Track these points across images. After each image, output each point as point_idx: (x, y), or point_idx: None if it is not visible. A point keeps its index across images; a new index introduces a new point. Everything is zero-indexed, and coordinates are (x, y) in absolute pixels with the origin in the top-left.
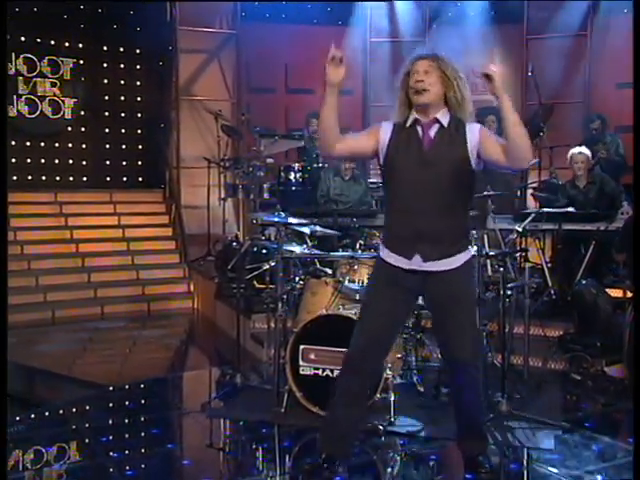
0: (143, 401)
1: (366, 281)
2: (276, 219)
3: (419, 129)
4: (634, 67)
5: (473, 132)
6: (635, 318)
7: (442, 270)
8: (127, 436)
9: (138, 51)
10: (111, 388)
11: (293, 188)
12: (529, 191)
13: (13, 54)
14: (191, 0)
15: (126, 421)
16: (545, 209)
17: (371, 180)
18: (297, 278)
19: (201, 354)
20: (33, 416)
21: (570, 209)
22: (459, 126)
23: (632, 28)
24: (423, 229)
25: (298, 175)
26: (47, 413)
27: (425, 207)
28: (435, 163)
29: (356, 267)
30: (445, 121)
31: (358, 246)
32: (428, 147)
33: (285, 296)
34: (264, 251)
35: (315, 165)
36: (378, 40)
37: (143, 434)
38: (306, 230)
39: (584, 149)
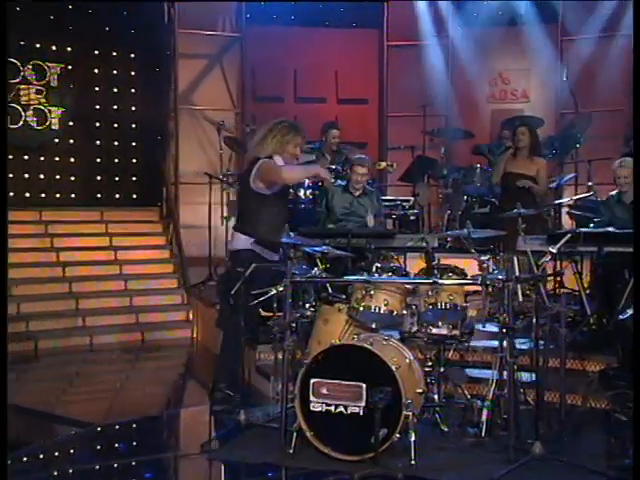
0: (135, 442)
1: (383, 308)
2: (284, 239)
3: None
4: (634, 67)
5: None
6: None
7: None
8: None
9: (133, 55)
10: (99, 428)
11: (303, 206)
12: (564, 209)
13: None
14: (191, 0)
15: (115, 465)
16: (582, 229)
17: (387, 197)
18: (307, 305)
19: (201, 389)
20: (10, 461)
21: (610, 228)
22: None
23: (632, 28)
24: None
25: (308, 192)
26: (26, 457)
27: None
28: None
29: (372, 292)
30: None
31: (374, 269)
32: None
33: (294, 325)
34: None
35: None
36: (396, 43)
37: None
38: (317, 252)
39: (627, 159)
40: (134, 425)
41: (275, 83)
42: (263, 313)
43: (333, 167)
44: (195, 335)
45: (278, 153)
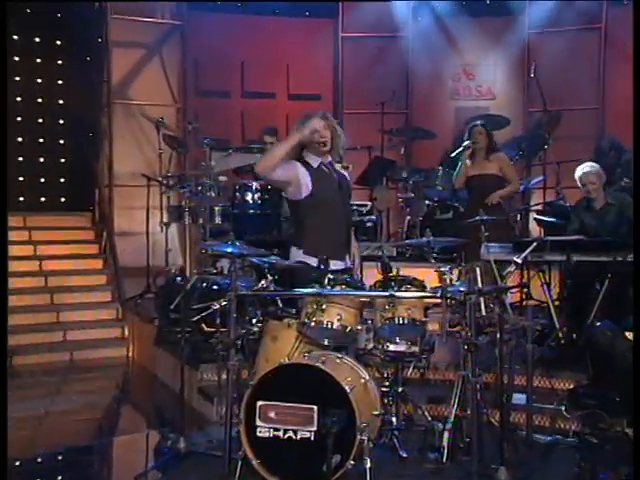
0: (60, 476)
1: (336, 323)
2: (229, 249)
3: (325, 168)
4: (634, 67)
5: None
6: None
7: None
8: None
9: (59, 43)
10: (18, 463)
11: (251, 211)
12: (532, 215)
13: None
14: None
15: None
16: (550, 237)
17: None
18: (254, 320)
19: (136, 414)
20: None
21: (580, 237)
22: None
23: (632, 27)
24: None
25: (257, 196)
26: None
27: None
28: (344, 188)
29: (324, 306)
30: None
31: (326, 281)
32: (338, 179)
33: (239, 342)
34: (215, 287)
35: None
36: (353, 35)
37: None
38: (265, 262)
39: (589, 164)
40: (60, 457)
41: (220, 76)
42: (206, 329)
43: None
44: (131, 354)
45: (298, 155)
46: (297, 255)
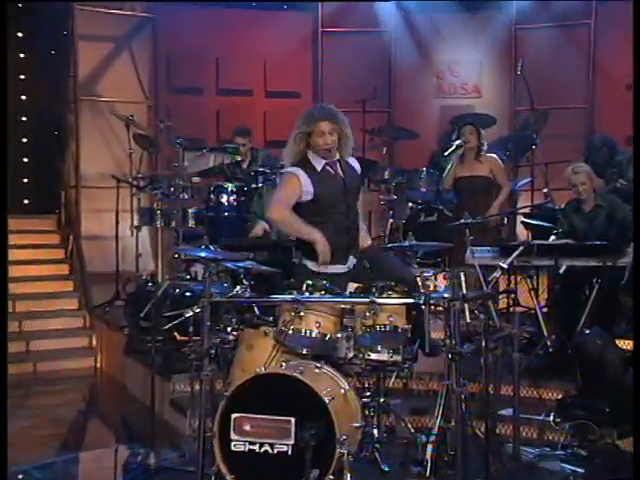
0: None
1: (315, 331)
2: (203, 253)
3: (331, 170)
4: (634, 68)
5: (356, 164)
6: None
7: None
8: None
9: (20, 35)
10: None
11: (226, 214)
12: (519, 218)
13: None
14: None
15: None
16: (537, 241)
17: None
18: (229, 328)
19: (104, 428)
20: None
21: (569, 240)
22: (346, 161)
23: (632, 28)
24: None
25: (232, 198)
26: None
27: None
28: (352, 190)
29: (302, 313)
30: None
31: (305, 287)
32: (345, 180)
33: (213, 351)
34: (188, 294)
35: (254, 185)
36: (333, 30)
37: None
38: (241, 267)
39: (582, 165)
40: (21, 477)
41: (194, 72)
42: (178, 338)
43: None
44: (99, 364)
45: (303, 154)
46: (296, 256)
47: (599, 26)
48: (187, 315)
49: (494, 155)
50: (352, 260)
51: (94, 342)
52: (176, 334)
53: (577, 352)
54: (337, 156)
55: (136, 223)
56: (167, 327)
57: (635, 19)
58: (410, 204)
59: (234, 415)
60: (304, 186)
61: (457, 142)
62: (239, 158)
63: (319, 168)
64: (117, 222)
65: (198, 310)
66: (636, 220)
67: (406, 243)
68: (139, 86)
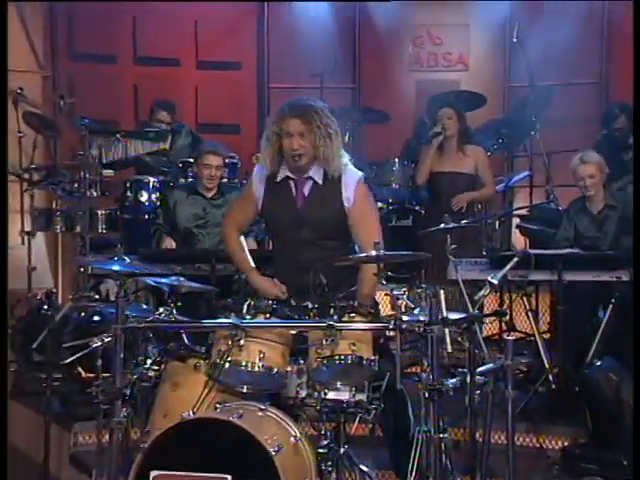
0: None
1: (258, 364)
2: (117, 267)
3: (292, 185)
4: (634, 68)
5: (349, 190)
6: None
7: None
8: None
9: None
10: None
11: (146, 217)
12: (515, 221)
13: None
14: None
15: None
16: (537, 250)
17: None
18: (149, 361)
19: None
20: None
21: (575, 249)
22: (333, 180)
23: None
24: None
25: (154, 196)
26: None
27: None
28: (309, 222)
29: (242, 342)
30: (319, 178)
31: (245, 308)
32: (301, 207)
33: (129, 391)
34: (96, 318)
35: (183, 180)
36: None
37: None
38: (165, 285)
39: (592, 155)
40: None
41: (104, 36)
42: (83, 375)
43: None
44: None
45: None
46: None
47: None
48: (94, 345)
49: (479, 147)
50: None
51: None
52: (80, 370)
53: (587, 389)
54: (311, 171)
55: (28, 228)
56: (68, 361)
57: (635, 19)
58: (379, 204)
59: (154, 473)
60: (257, 199)
61: (435, 129)
62: (164, 145)
63: (279, 178)
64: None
65: (109, 339)
66: (636, 220)
67: (372, 253)
68: (31, 52)
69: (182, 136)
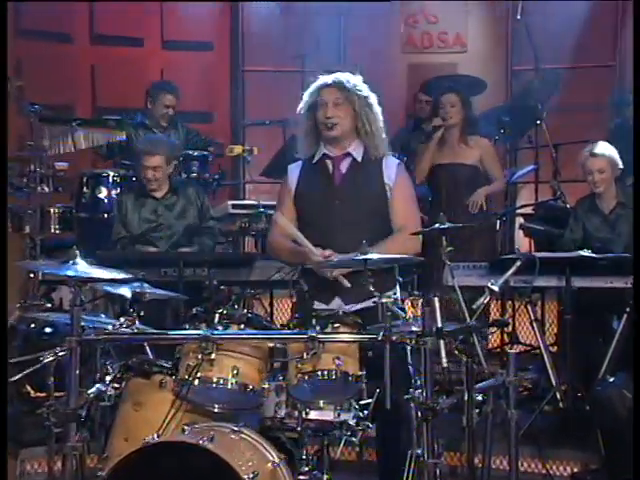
0: None
1: (232, 380)
2: (71, 272)
3: (329, 164)
4: (634, 68)
5: (390, 170)
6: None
7: None
8: None
9: None
10: None
11: (105, 215)
12: (518, 220)
13: None
14: None
15: None
16: (542, 253)
17: (242, 201)
18: (108, 378)
19: None
20: None
21: (585, 252)
22: (374, 160)
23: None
24: None
25: (114, 192)
26: None
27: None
28: (347, 199)
29: (214, 356)
30: (358, 155)
31: (217, 318)
32: (339, 183)
33: (85, 412)
34: (48, 330)
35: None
36: None
37: None
38: (127, 292)
39: (604, 146)
40: None
41: (57, 11)
42: (32, 394)
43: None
44: None
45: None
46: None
47: None
48: (46, 361)
49: (484, 138)
50: (338, 302)
51: None
52: (29, 389)
53: (598, 408)
54: (350, 147)
55: None
56: (15, 379)
57: (635, 19)
58: None
59: None
60: (292, 189)
61: (435, 122)
62: (124, 136)
63: (315, 159)
64: None
65: (62, 353)
66: (636, 222)
67: (359, 256)
68: None
69: (179, 129)
